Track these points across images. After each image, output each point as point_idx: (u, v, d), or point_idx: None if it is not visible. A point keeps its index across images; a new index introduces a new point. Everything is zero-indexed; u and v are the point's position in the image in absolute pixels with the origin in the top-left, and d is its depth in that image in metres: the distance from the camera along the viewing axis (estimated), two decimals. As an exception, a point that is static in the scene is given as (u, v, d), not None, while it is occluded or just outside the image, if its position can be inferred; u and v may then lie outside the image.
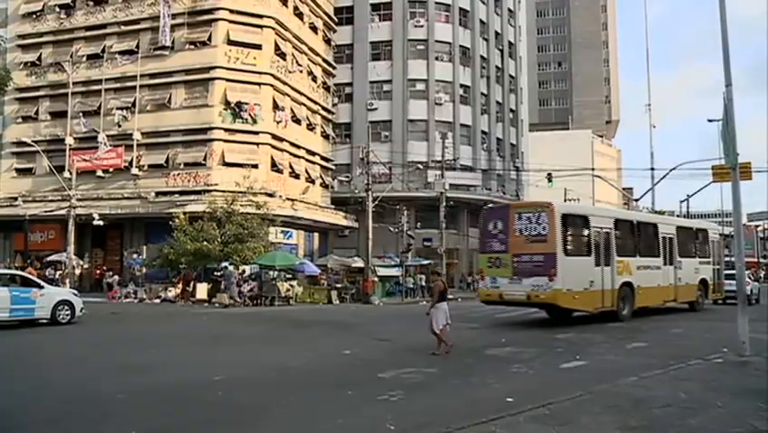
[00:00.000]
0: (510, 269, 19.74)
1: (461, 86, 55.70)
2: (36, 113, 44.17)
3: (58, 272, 37.27)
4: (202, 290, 34.26)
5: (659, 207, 73.58)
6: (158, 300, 34.01)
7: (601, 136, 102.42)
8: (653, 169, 48.49)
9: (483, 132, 57.54)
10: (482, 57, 58.05)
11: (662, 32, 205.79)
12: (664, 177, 44.97)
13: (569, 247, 19.41)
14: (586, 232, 20.17)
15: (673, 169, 43.08)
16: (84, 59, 43.27)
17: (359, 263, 41.16)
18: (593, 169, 67.81)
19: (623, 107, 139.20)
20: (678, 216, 55.03)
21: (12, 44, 43.14)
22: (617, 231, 21.19)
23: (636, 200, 57.81)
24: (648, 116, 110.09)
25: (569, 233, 19.60)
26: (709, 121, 43.54)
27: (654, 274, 22.79)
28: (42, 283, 21.41)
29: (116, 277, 37.64)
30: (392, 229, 42.25)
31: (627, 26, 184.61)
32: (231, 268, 32.85)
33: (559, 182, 48.06)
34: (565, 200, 64.92)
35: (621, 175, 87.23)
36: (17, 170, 44.53)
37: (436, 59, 54.94)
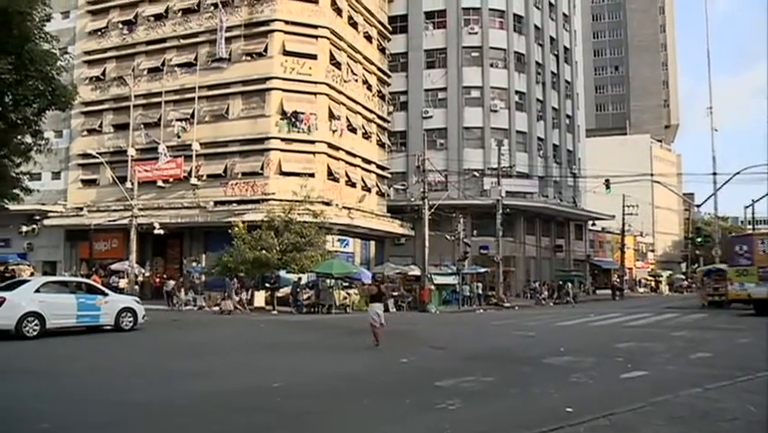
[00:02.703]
0: (756, 276, 27.79)
1: (517, 92, 55.32)
2: (100, 126, 45.45)
3: (121, 280, 38.16)
4: (260, 297, 34.71)
5: (722, 212, 71.97)
6: (216, 308, 34.52)
7: (660, 141, 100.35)
8: (715, 174, 47.34)
9: (539, 138, 57.00)
10: (537, 63, 57.58)
11: (726, 31, 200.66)
12: (727, 182, 44.02)
13: None
14: None
15: (737, 173, 42.11)
16: (145, 72, 44.37)
17: (415, 271, 41.10)
18: (652, 174, 66.58)
19: (683, 111, 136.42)
20: (742, 222, 53.52)
21: (78, 60, 44.45)
22: None
23: (698, 206, 56.64)
24: (710, 120, 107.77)
25: None
26: (775, 123, 42.38)
27: None
28: (107, 291, 21.96)
29: (172, 283, 38.05)
30: (448, 237, 42.09)
31: (688, 27, 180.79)
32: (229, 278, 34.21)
33: (617, 188, 47.39)
34: (623, 207, 63.98)
35: (681, 180, 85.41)
36: (83, 181, 45.91)
37: (491, 65, 54.71)
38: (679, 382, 10.66)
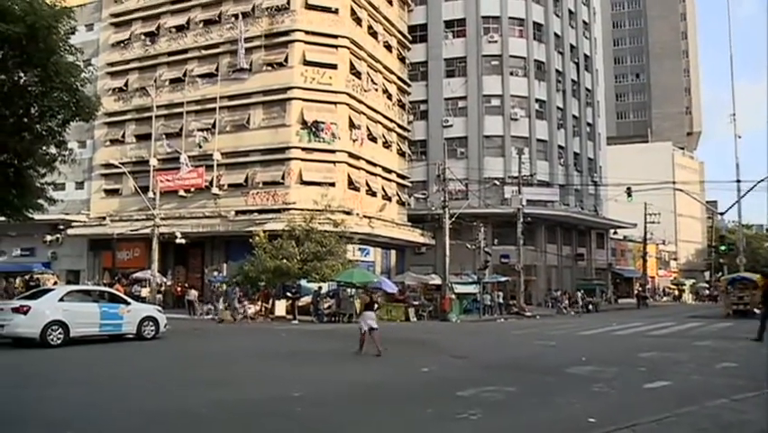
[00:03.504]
0: None
1: (537, 100, 55.19)
2: (123, 136, 45.93)
3: (144, 289, 38.40)
4: (281, 306, 34.78)
5: (746, 220, 71.15)
6: (240, 316, 34.55)
7: (682, 148, 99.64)
8: (738, 181, 46.73)
9: (560, 146, 56.80)
10: (557, 71, 57.42)
11: (750, 36, 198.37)
12: (751, 189, 43.40)
13: None
14: None
15: (762, 180, 41.47)
16: (167, 83, 44.81)
17: (436, 280, 41.00)
18: (674, 182, 66.00)
19: (706, 118, 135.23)
20: (767, 229, 52.92)
21: (102, 72, 45.01)
22: None
23: (722, 214, 55.95)
24: (733, 126, 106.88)
25: None
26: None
27: None
28: (129, 300, 22.11)
29: (194, 293, 38.21)
30: (469, 246, 41.95)
31: (710, 33, 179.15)
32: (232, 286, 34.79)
33: (639, 196, 47.01)
34: (645, 215, 63.42)
35: (704, 188, 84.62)
36: (106, 190, 46.36)
37: (511, 74, 54.63)
38: (704, 393, 10.55)
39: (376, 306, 18.88)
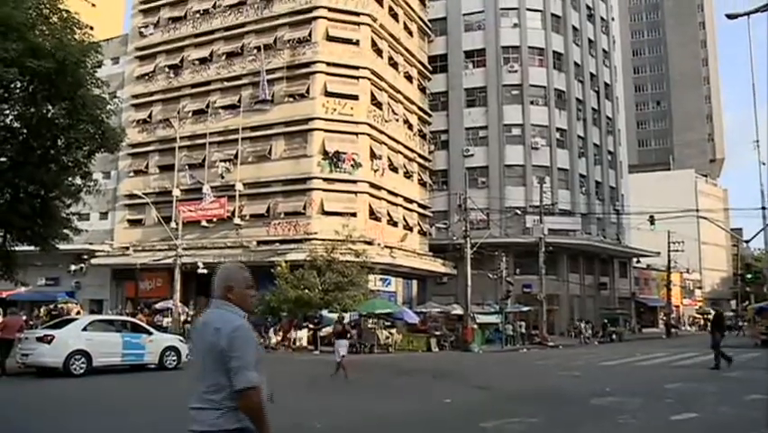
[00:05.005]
0: None
1: (558, 129, 55.13)
2: (146, 167, 46.44)
3: (165, 319, 38.51)
4: (302, 337, 34.72)
5: (772, 248, 70.14)
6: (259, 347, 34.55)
7: (705, 176, 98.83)
8: (764, 208, 46.21)
9: (581, 175, 56.59)
10: (578, 99, 57.42)
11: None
12: (777, 216, 42.91)
13: None
14: None
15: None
16: (190, 114, 45.33)
17: (458, 310, 40.78)
18: (697, 210, 65.43)
19: (729, 144, 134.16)
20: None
21: (126, 104, 45.65)
22: None
23: (747, 242, 55.30)
24: (756, 153, 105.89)
25: None
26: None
27: None
28: (151, 330, 22.21)
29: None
30: (491, 276, 41.77)
31: (731, 59, 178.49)
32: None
33: (662, 224, 46.65)
34: (669, 243, 62.79)
35: (728, 215, 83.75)
36: (129, 221, 46.81)
37: (531, 103, 54.71)
38: (733, 426, 10.39)
39: (348, 335, 21.37)
